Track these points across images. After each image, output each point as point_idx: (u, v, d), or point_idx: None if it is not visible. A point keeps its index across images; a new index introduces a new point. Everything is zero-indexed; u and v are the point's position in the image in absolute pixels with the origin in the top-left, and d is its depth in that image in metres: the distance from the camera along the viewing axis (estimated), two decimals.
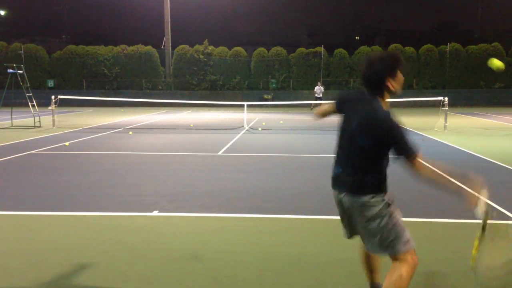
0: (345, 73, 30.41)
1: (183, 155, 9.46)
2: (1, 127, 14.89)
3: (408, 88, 30.13)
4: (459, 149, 10.05)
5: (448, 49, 30.49)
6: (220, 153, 9.69)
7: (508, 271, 2.94)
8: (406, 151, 2.59)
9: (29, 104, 15.41)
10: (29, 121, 16.45)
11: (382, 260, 2.91)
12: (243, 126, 15.30)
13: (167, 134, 13.31)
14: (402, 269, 2.55)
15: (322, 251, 4.03)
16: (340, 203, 2.70)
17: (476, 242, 2.76)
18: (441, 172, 2.55)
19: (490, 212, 2.65)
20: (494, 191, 6.11)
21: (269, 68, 30.88)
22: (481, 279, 3.02)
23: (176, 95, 29.57)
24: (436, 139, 11.93)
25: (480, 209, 2.59)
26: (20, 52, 30.41)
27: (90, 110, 25.43)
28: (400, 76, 2.58)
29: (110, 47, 31.73)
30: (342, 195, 2.64)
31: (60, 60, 31.24)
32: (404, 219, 5.27)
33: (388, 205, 2.61)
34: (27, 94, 15.44)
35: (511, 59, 30.58)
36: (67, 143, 10.90)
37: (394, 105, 27.81)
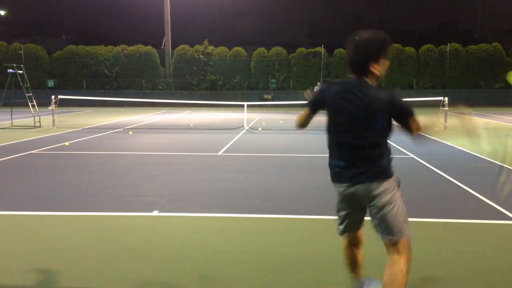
0: (345, 73, 30.36)
1: (183, 155, 9.46)
2: (1, 127, 14.89)
3: (408, 88, 30.15)
4: (459, 149, 10.04)
5: (448, 49, 30.50)
6: (220, 153, 9.69)
7: None
8: (411, 115, 2.62)
9: (29, 104, 15.41)
10: (29, 121, 16.45)
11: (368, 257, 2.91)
12: (243, 126, 15.30)
13: (167, 134, 13.31)
14: (402, 263, 2.55)
15: (322, 251, 4.03)
16: (349, 196, 2.62)
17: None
18: (429, 122, 2.73)
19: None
20: (494, 191, 6.13)
21: (269, 68, 30.89)
22: None
23: (176, 95, 29.58)
24: (436, 139, 11.92)
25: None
26: (20, 52, 30.42)
27: (90, 110, 25.43)
28: (385, 60, 2.57)
29: (110, 47, 31.74)
30: (354, 187, 2.57)
31: (60, 60, 31.26)
32: None
33: (399, 187, 2.68)
34: (27, 94, 15.44)
35: (511, 59, 30.57)
36: (67, 143, 10.90)
37: None
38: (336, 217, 2.85)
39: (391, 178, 2.61)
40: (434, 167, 7.86)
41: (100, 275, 3.52)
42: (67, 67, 31.08)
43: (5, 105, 17.45)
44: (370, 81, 2.55)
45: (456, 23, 69.22)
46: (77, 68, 31.01)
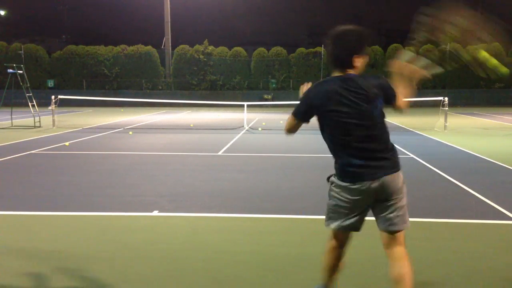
0: None
1: (183, 155, 9.46)
2: (1, 127, 14.89)
3: None
4: (459, 149, 10.05)
5: (448, 49, 30.47)
6: (220, 153, 9.69)
7: None
8: (395, 93, 2.63)
9: (29, 104, 15.41)
10: (29, 121, 16.45)
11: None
12: (243, 126, 15.30)
13: (167, 134, 13.31)
14: (407, 255, 2.62)
15: (322, 251, 4.01)
16: (371, 192, 2.52)
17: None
18: (406, 95, 2.68)
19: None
20: (494, 191, 6.13)
21: (269, 68, 30.90)
22: None
23: (176, 95, 29.60)
24: (436, 139, 11.93)
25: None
26: (20, 52, 30.43)
27: (90, 110, 25.43)
28: (366, 55, 2.57)
29: (110, 47, 31.75)
30: (379, 181, 2.49)
31: (60, 60, 31.27)
32: None
33: None
34: (27, 94, 15.44)
35: (511, 59, 30.57)
36: (67, 143, 10.90)
37: None
38: (336, 215, 2.68)
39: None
40: (434, 167, 7.86)
41: (100, 275, 3.52)
42: (67, 67, 31.09)
43: (5, 105, 17.46)
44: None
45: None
46: (77, 68, 31.02)
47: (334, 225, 2.69)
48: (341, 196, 2.60)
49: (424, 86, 30.09)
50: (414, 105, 27.24)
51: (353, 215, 2.63)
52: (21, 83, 15.63)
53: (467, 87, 30.11)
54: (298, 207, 5.39)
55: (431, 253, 3.97)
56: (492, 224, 4.82)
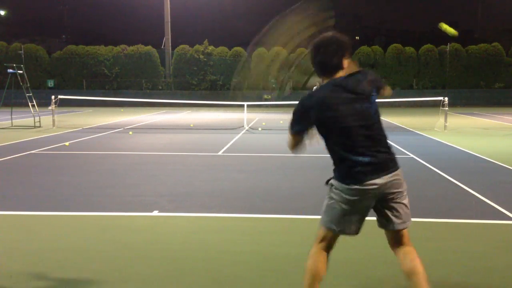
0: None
1: (183, 155, 9.46)
2: (1, 127, 14.89)
3: (408, 88, 30.17)
4: (459, 149, 10.04)
5: (448, 49, 30.50)
6: (220, 153, 9.69)
7: None
8: (383, 84, 2.72)
9: (29, 104, 15.42)
10: (29, 121, 16.45)
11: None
12: (243, 126, 15.30)
13: (167, 134, 13.31)
14: (415, 251, 2.67)
15: None
16: (376, 192, 2.50)
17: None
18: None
19: None
20: (494, 191, 6.13)
21: (269, 68, 30.88)
22: None
23: (176, 95, 29.60)
24: (436, 139, 11.93)
25: None
26: (20, 52, 30.45)
27: (90, 110, 25.43)
28: (351, 60, 2.61)
29: (110, 47, 31.77)
30: (384, 178, 2.49)
31: (60, 60, 31.28)
32: None
33: None
34: (27, 94, 15.44)
35: (511, 59, 30.58)
36: (67, 143, 10.90)
37: (395, 105, 27.88)
38: (338, 219, 2.60)
39: None
40: (434, 167, 7.86)
41: (100, 275, 3.52)
42: (67, 67, 31.10)
43: (5, 105, 17.46)
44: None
45: (456, 23, 69.18)
46: (77, 68, 31.03)
47: (337, 229, 2.62)
48: (345, 199, 2.54)
49: (424, 86, 30.11)
50: (414, 105, 27.31)
51: (357, 218, 2.60)
52: (21, 83, 15.64)
53: (467, 87, 30.11)
54: (298, 207, 5.38)
55: (431, 253, 3.97)
56: (492, 224, 4.81)
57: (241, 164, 8.44)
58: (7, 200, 5.79)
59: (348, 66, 2.57)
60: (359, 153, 2.49)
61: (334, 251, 2.75)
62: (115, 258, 3.87)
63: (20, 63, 19.79)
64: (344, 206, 2.55)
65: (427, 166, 7.97)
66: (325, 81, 2.58)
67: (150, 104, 27.69)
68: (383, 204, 2.59)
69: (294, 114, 2.60)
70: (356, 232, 2.65)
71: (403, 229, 2.62)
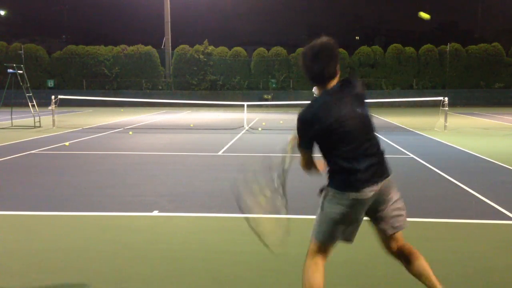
0: (345, 73, 30.36)
1: (183, 155, 9.46)
2: (1, 127, 14.89)
3: (408, 88, 30.17)
4: (459, 149, 10.04)
5: (448, 49, 30.50)
6: (220, 153, 9.69)
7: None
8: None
9: (29, 104, 15.42)
10: (29, 121, 16.45)
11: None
12: (243, 126, 15.30)
13: (167, 134, 13.31)
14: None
15: None
16: (371, 198, 2.50)
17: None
18: None
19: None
20: (494, 191, 6.13)
21: (269, 68, 30.91)
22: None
23: (176, 95, 29.59)
24: (436, 139, 11.93)
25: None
26: (20, 52, 30.44)
27: (90, 110, 25.43)
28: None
29: (110, 47, 31.76)
30: (379, 184, 2.49)
31: (60, 60, 31.27)
32: None
33: None
34: (27, 94, 15.44)
35: (511, 59, 30.57)
36: (67, 143, 10.90)
37: (395, 105, 27.87)
38: (334, 228, 2.56)
39: None
40: (434, 167, 7.86)
41: (100, 275, 3.52)
42: (67, 67, 31.09)
43: (5, 105, 17.45)
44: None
45: (456, 23, 69.28)
46: (77, 68, 31.03)
47: (335, 239, 2.58)
48: (344, 208, 2.50)
49: (424, 86, 30.11)
50: (414, 105, 27.31)
51: (355, 225, 2.58)
52: (21, 83, 15.63)
53: (467, 87, 30.10)
54: (298, 207, 5.38)
55: (431, 253, 3.96)
56: (492, 224, 4.82)
57: (241, 164, 8.44)
58: (7, 200, 5.79)
59: (339, 72, 2.57)
60: (359, 160, 2.47)
61: (334, 252, 2.74)
62: (115, 258, 3.88)
63: (20, 63, 19.80)
64: (343, 215, 2.51)
65: (427, 166, 7.97)
66: (319, 89, 2.54)
67: (150, 104, 27.68)
68: (379, 208, 2.59)
69: (298, 131, 2.55)
70: (352, 239, 2.64)
71: (398, 232, 2.64)
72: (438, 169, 7.63)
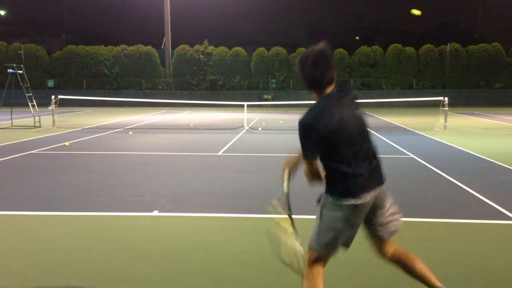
0: (345, 73, 30.39)
1: (183, 155, 9.46)
2: (1, 127, 14.89)
3: (408, 88, 30.17)
4: (459, 149, 10.04)
5: (448, 49, 30.50)
6: (220, 153, 9.69)
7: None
8: None
9: (29, 104, 15.42)
10: (29, 121, 16.45)
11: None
12: (243, 126, 15.30)
13: (167, 134, 13.31)
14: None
15: None
16: (369, 204, 2.50)
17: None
18: None
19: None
20: (494, 191, 6.13)
21: (269, 68, 30.90)
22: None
23: (176, 95, 29.59)
24: (436, 139, 11.93)
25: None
26: (20, 52, 30.44)
27: (90, 110, 25.43)
28: None
29: (110, 47, 31.76)
30: (377, 189, 2.50)
31: (60, 60, 31.27)
32: (404, 219, 5.28)
33: None
34: (27, 94, 15.44)
35: (511, 59, 30.57)
36: (67, 143, 10.90)
37: (395, 105, 27.87)
38: (336, 235, 2.55)
39: None
40: (434, 167, 7.86)
41: (100, 275, 3.52)
42: (67, 67, 31.09)
43: (5, 105, 17.45)
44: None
45: (456, 23, 69.24)
46: (77, 68, 31.03)
47: (335, 248, 2.57)
48: (345, 215, 2.49)
49: (424, 86, 30.10)
50: (414, 105, 27.31)
51: (355, 232, 2.58)
52: (21, 83, 15.63)
53: (467, 87, 30.10)
54: (298, 207, 5.36)
55: (431, 253, 3.97)
56: (492, 224, 4.82)
57: (241, 164, 8.44)
58: (7, 200, 5.79)
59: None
60: (360, 164, 2.47)
61: None
62: (115, 258, 3.88)
63: (20, 63, 19.81)
64: (344, 222, 2.50)
65: (427, 166, 7.96)
66: (316, 95, 2.54)
67: (150, 104, 27.69)
68: (376, 214, 2.60)
69: (301, 138, 2.48)
70: (350, 245, 2.66)
71: (392, 237, 2.67)
72: (438, 169, 7.63)
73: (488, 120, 18.31)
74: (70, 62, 31.06)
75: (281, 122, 17.57)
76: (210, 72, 30.66)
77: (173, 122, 17.60)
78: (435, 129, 14.32)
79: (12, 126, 15.15)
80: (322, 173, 2.58)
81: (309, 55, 2.46)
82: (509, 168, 7.81)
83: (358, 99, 2.62)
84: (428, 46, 30.79)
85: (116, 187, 6.48)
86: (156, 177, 7.15)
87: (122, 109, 25.91)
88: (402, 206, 5.41)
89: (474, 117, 19.84)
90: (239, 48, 31.69)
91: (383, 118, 19.17)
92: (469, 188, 6.30)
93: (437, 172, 7.44)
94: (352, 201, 2.45)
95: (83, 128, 14.83)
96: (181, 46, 31.38)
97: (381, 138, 11.84)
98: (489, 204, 5.49)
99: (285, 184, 2.78)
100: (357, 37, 73.51)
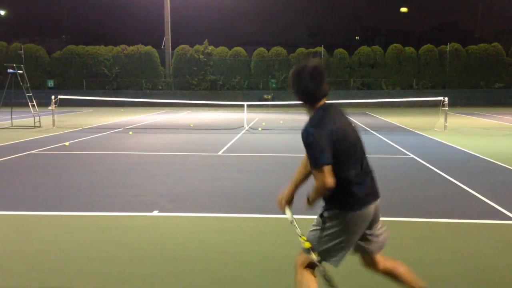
0: (345, 73, 30.41)
1: (183, 155, 9.46)
2: (1, 127, 14.89)
3: (408, 88, 30.17)
4: (459, 149, 10.04)
5: (448, 49, 30.50)
6: (220, 153, 9.69)
7: None
8: None
9: (29, 104, 15.42)
10: (29, 121, 16.45)
11: None
12: (243, 126, 15.30)
13: (167, 134, 13.31)
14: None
15: None
16: (371, 215, 2.54)
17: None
18: None
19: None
20: (494, 191, 6.13)
21: (269, 68, 30.91)
22: None
23: (176, 95, 29.59)
24: (436, 139, 11.93)
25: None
26: (20, 52, 30.45)
27: (90, 110, 25.44)
28: None
29: (110, 47, 31.76)
30: (376, 202, 2.55)
31: (60, 60, 31.28)
32: (404, 219, 5.28)
33: None
34: (27, 94, 15.44)
35: (511, 59, 30.57)
36: (67, 143, 10.90)
37: (395, 105, 27.87)
38: (340, 248, 2.56)
39: None
40: (434, 167, 7.86)
41: (100, 275, 3.52)
42: (67, 67, 31.10)
43: (5, 105, 17.45)
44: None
45: (456, 23, 69.16)
46: (77, 68, 31.03)
47: (340, 258, 2.59)
48: (351, 226, 2.50)
49: (424, 86, 30.11)
50: (414, 105, 27.30)
51: (353, 243, 2.60)
52: (21, 83, 15.63)
53: (467, 87, 30.10)
54: (298, 207, 5.37)
55: (431, 253, 3.97)
56: (492, 224, 4.82)
57: (241, 164, 8.44)
58: (7, 200, 5.79)
59: None
60: (362, 177, 2.50)
61: None
62: (115, 258, 3.88)
63: (20, 63, 19.80)
64: (348, 233, 2.52)
65: (427, 166, 7.96)
66: (309, 109, 2.54)
67: (150, 104, 27.69)
68: (371, 227, 2.62)
69: (311, 145, 2.39)
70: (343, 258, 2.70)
71: (382, 249, 2.71)
72: (438, 169, 7.63)
73: (488, 120, 18.31)
74: (70, 62, 31.07)
75: (281, 122, 17.57)
76: (210, 72, 30.66)
77: (173, 122, 17.60)
78: (435, 129, 14.32)
79: (12, 126, 15.15)
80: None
81: (305, 68, 2.50)
82: (509, 168, 7.82)
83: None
84: (428, 46, 30.79)
85: (116, 187, 6.48)
86: (156, 177, 7.15)
87: (122, 109, 25.91)
88: (402, 206, 5.44)
89: (474, 117, 19.84)
90: (239, 48, 31.69)
91: (383, 118, 19.17)
92: (469, 188, 6.30)
93: (437, 172, 7.44)
94: (358, 212, 2.47)
95: (83, 128, 14.83)
96: (181, 46, 31.39)
97: (381, 138, 11.84)
98: (489, 204, 5.49)
99: (289, 215, 2.79)
100: (357, 37, 73.47)
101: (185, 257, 3.89)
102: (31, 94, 15.66)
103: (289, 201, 2.84)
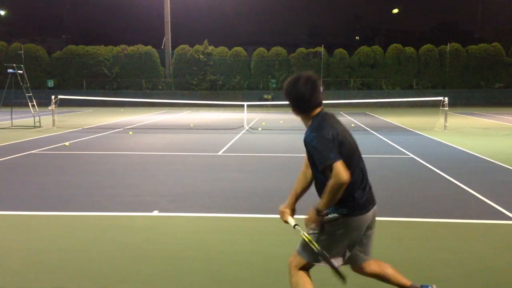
0: (345, 73, 30.42)
1: (183, 155, 9.46)
2: (1, 127, 14.89)
3: (408, 88, 30.18)
4: (459, 149, 10.04)
5: (448, 49, 30.50)
6: (220, 153, 9.69)
7: None
8: None
9: (29, 104, 15.42)
10: (29, 121, 16.45)
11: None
12: (243, 126, 15.30)
13: (167, 134, 13.31)
14: None
15: None
16: (370, 219, 2.59)
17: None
18: None
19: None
20: (494, 191, 6.13)
21: (269, 68, 30.92)
22: None
23: (176, 95, 29.60)
24: (436, 139, 11.93)
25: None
26: (20, 52, 30.45)
27: (90, 110, 25.44)
28: None
29: (110, 47, 31.77)
30: (373, 209, 2.58)
31: (60, 60, 31.29)
32: (404, 219, 5.28)
33: None
34: (27, 94, 15.44)
35: (511, 59, 30.57)
36: (67, 143, 10.90)
37: (395, 105, 27.87)
38: (343, 250, 2.64)
39: None
40: (434, 167, 7.86)
41: (100, 275, 3.52)
42: (67, 67, 31.11)
43: (5, 105, 17.45)
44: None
45: (456, 23, 69.12)
46: (77, 68, 31.04)
47: (341, 262, 2.67)
48: (353, 231, 2.53)
49: (424, 86, 30.12)
50: (414, 105, 27.31)
51: (349, 246, 2.65)
52: (21, 83, 15.64)
53: (467, 87, 30.11)
54: (298, 207, 5.37)
55: (431, 253, 3.97)
56: (492, 224, 4.82)
57: (241, 164, 8.44)
58: (7, 200, 5.79)
59: None
60: (366, 182, 2.55)
61: None
62: (115, 258, 3.88)
63: (20, 63, 19.79)
64: (348, 237, 2.55)
65: (427, 166, 7.96)
66: (305, 119, 2.59)
67: (150, 104, 27.70)
68: (366, 234, 2.65)
69: (319, 146, 2.40)
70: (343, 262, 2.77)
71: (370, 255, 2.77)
72: (438, 169, 7.63)
73: (488, 120, 18.31)
74: (70, 62, 31.08)
75: (281, 122, 17.57)
76: (210, 72, 30.67)
77: (173, 122, 17.60)
78: (435, 129, 14.32)
79: (12, 126, 15.15)
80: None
81: (301, 78, 2.51)
82: (509, 168, 7.82)
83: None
84: (428, 46, 30.79)
85: (116, 187, 6.48)
86: (156, 177, 7.15)
87: (122, 109, 25.91)
88: (402, 206, 5.44)
89: (474, 117, 19.84)
90: (239, 48, 31.70)
91: (383, 118, 19.17)
92: (469, 188, 6.30)
93: (437, 172, 7.44)
94: (360, 217, 2.49)
95: (83, 128, 14.83)
96: (181, 46, 31.40)
97: (381, 138, 11.84)
98: (489, 204, 5.49)
99: (292, 222, 2.87)
100: (357, 37, 73.44)
101: (185, 257, 3.89)
102: (31, 94, 15.66)
103: (291, 210, 2.94)
